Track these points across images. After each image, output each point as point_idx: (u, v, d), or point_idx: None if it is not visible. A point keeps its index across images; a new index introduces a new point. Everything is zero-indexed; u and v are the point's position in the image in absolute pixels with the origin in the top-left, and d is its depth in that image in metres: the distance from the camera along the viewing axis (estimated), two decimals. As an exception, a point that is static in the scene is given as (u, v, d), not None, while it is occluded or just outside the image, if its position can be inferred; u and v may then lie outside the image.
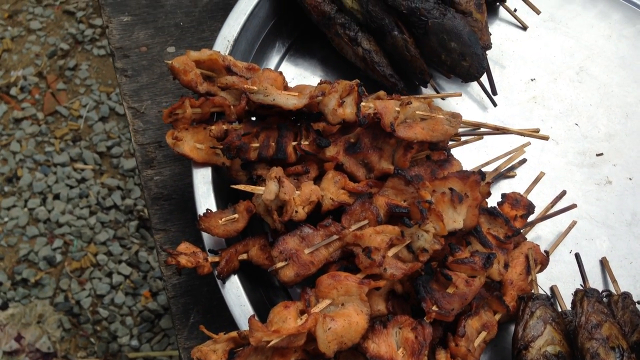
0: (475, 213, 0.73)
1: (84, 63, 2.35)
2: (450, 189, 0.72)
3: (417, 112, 0.79)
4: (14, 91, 2.26)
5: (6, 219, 2.04)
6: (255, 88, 0.76)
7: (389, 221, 0.74)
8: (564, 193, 0.89)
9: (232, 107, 0.79)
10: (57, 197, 2.09)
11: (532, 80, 1.00)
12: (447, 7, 0.90)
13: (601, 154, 0.94)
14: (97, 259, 2.01)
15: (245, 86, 0.76)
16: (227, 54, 0.86)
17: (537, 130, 0.87)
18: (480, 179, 0.73)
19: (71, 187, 2.12)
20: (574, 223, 0.86)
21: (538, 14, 1.03)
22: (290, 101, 0.75)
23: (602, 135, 0.96)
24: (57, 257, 1.98)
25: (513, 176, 0.90)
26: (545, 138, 0.84)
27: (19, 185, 2.11)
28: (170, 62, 0.80)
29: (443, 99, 0.93)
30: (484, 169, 0.87)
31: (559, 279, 0.83)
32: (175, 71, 0.80)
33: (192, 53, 0.81)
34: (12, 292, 1.93)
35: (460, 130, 0.83)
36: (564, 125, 0.96)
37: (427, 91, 0.95)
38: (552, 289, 0.82)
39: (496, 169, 0.85)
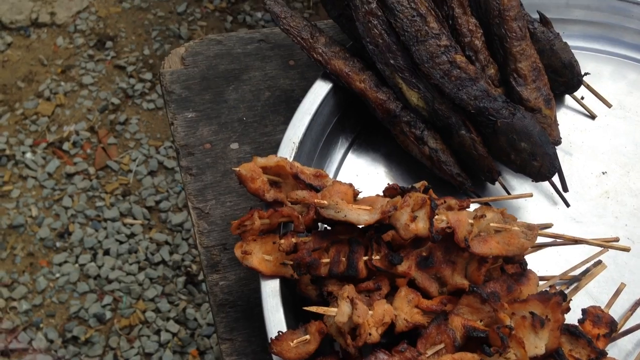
0: (557, 335, 0.70)
1: (133, 117, 2.40)
2: (531, 313, 0.70)
3: (491, 224, 0.77)
4: (66, 146, 2.31)
5: (58, 275, 2.06)
6: (325, 203, 0.74)
7: (467, 343, 0.71)
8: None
9: (300, 217, 0.77)
10: (107, 252, 2.12)
11: (603, 173, 0.97)
12: (516, 106, 0.88)
13: (680, 255, 0.90)
14: (145, 316, 2.02)
15: (315, 201, 0.75)
16: (292, 155, 0.85)
17: (617, 240, 0.83)
18: (562, 300, 0.70)
19: (121, 243, 2.15)
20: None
21: (609, 107, 1.00)
22: (362, 217, 0.74)
23: (680, 233, 0.92)
24: (107, 314, 1.99)
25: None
26: (627, 249, 0.81)
27: (71, 241, 2.14)
28: (237, 169, 0.79)
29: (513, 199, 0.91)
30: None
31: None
32: (242, 178, 0.80)
33: (259, 160, 0.81)
34: (63, 350, 1.95)
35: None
36: None
37: (496, 187, 0.93)
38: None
39: (576, 287, 0.81)
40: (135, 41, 2.58)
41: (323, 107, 0.90)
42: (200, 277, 2.07)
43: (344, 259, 0.75)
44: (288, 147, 0.85)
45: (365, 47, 0.91)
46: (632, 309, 0.84)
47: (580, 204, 0.94)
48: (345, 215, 0.74)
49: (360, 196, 0.85)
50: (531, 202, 0.93)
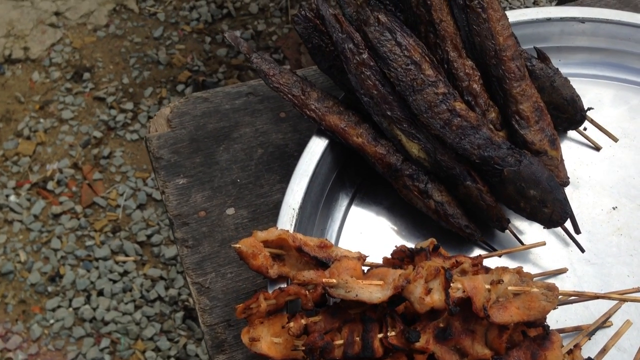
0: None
1: (117, 150, 2.34)
2: (560, 386, 0.66)
3: (509, 288, 0.73)
4: (51, 185, 2.25)
5: (52, 321, 2.01)
6: (334, 282, 0.70)
7: (493, 421, 0.68)
8: (666, 343, 0.82)
9: (308, 294, 0.73)
10: (101, 293, 2.06)
11: (613, 208, 0.93)
12: (522, 152, 0.84)
13: (700, 289, 0.87)
14: (145, 356, 1.97)
15: (324, 280, 0.70)
16: (293, 223, 0.81)
17: (638, 290, 0.80)
18: (589, 369, 0.67)
19: (114, 282, 2.09)
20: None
21: (616, 142, 0.96)
22: (374, 295, 0.70)
23: (697, 266, 0.89)
24: (106, 358, 1.94)
25: (609, 326, 0.84)
26: (650, 302, 0.78)
27: (63, 284, 2.08)
28: (237, 245, 0.75)
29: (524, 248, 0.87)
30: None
31: None
32: (243, 255, 0.76)
33: (259, 234, 0.77)
34: (63, 399, 1.90)
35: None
36: (655, 259, 0.89)
37: (507, 234, 0.89)
38: None
39: (603, 349, 0.78)
40: (113, 70, 2.51)
41: (321, 167, 0.86)
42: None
43: (357, 338, 0.71)
44: (288, 215, 0.81)
45: (359, 99, 0.86)
46: (657, 356, 0.81)
47: (594, 244, 0.90)
48: (356, 295, 0.70)
49: (369, 259, 0.82)
50: (544, 247, 0.89)
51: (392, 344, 0.70)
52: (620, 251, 0.90)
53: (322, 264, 0.76)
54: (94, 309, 2.03)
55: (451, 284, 0.72)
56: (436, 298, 0.71)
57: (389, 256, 0.81)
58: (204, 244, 0.86)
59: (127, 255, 2.14)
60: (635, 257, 0.90)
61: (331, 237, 0.88)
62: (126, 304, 2.06)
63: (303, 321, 0.72)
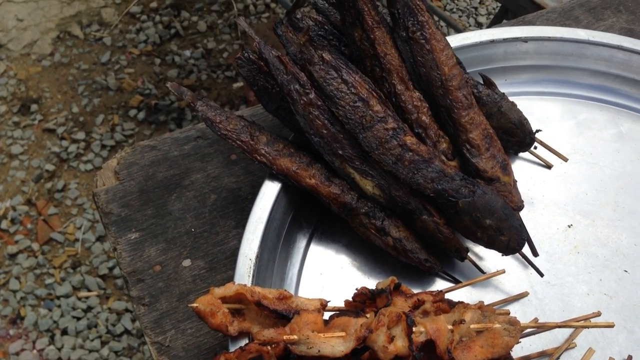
0: None
1: (72, 182, 2.28)
2: None
3: (472, 326, 0.73)
4: (4, 224, 2.18)
5: (16, 366, 1.95)
6: (295, 338, 0.69)
7: None
8: (630, 358, 0.83)
9: (270, 350, 0.72)
10: (65, 332, 2.01)
11: (569, 226, 0.94)
12: (475, 182, 0.84)
13: (658, 302, 0.89)
14: (116, 394, 1.93)
15: (285, 338, 0.69)
16: (251, 274, 0.79)
17: (599, 314, 0.81)
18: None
19: (78, 319, 2.04)
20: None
21: (566, 161, 0.97)
22: (337, 349, 0.69)
23: (654, 279, 0.90)
24: (75, 400, 1.89)
25: (573, 347, 0.84)
26: (611, 326, 0.78)
27: (25, 326, 2.02)
28: (194, 305, 0.73)
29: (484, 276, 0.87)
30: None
31: None
32: (201, 315, 0.74)
33: (216, 290, 0.75)
34: None
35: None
36: (614, 275, 0.90)
37: (468, 263, 0.89)
38: None
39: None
40: (61, 100, 2.45)
41: (275, 211, 0.85)
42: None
43: (324, 393, 0.70)
44: (245, 266, 0.79)
45: (310, 140, 0.85)
46: (622, 375, 0.82)
47: (552, 265, 0.91)
48: (319, 350, 0.68)
49: (331, 302, 0.81)
50: (503, 276, 0.89)
51: (359, 395, 0.70)
52: (579, 269, 0.91)
53: (282, 317, 0.75)
54: (59, 349, 1.98)
55: (414, 329, 0.71)
56: (400, 345, 0.70)
57: (351, 299, 0.80)
58: (161, 300, 0.84)
59: (89, 291, 2.09)
60: (593, 274, 0.91)
61: (291, 281, 0.87)
62: (92, 340, 2.01)
63: (267, 380, 0.70)
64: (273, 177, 0.86)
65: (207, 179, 0.94)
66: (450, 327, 0.72)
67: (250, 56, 0.88)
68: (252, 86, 0.88)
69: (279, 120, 0.89)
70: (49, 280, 2.09)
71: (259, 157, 0.85)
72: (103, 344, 2.01)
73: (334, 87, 0.85)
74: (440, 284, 0.89)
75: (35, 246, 2.15)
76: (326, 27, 0.92)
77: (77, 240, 2.18)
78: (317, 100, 0.85)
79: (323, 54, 0.85)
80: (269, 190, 0.85)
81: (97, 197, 0.90)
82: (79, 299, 2.08)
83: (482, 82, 0.94)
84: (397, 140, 0.84)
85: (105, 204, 0.89)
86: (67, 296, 2.07)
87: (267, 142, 0.86)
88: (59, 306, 2.06)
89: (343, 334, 0.70)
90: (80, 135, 2.36)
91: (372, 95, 0.86)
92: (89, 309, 2.06)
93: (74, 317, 2.04)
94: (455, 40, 1.00)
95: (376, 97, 0.86)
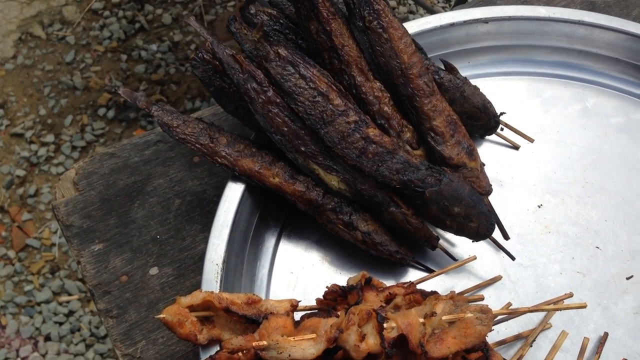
0: None
1: (44, 186, 2.24)
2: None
3: (444, 318, 0.72)
4: (-22, 234, 2.14)
5: (1, 376, 1.93)
6: (265, 343, 0.68)
7: None
8: (606, 336, 0.83)
9: (241, 357, 0.71)
10: (48, 338, 1.99)
11: (539, 207, 0.94)
12: (441, 171, 0.83)
13: (631, 277, 0.89)
14: (104, 396, 1.92)
15: (254, 344, 0.68)
16: (219, 280, 0.78)
17: (571, 296, 0.81)
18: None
19: (61, 324, 2.02)
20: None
21: (532, 142, 0.96)
22: (308, 351, 0.68)
23: (626, 254, 0.90)
24: (63, 406, 1.88)
25: (549, 327, 0.84)
26: (583, 306, 0.78)
27: (7, 335, 2.00)
28: (162, 315, 0.72)
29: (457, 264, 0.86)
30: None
31: None
32: (169, 325, 0.72)
33: (183, 300, 0.73)
34: None
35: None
36: (586, 253, 0.90)
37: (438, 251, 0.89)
38: None
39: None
40: (27, 103, 2.40)
41: (240, 213, 0.83)
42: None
43: (298, 396, 0.69)
44: (212, 272, 0.78)
45: (271, 138, 0.84)
46: (599, 351, 0.82)
47: (524, 246, 0.91)
48: (289, 355, 0.67)
49: (302, 301, 0.80)
50: (476, 263, 0.89)
51: (333, 396, 0.69)
52: (551, 249, 0.91)
53: (252, 321, 0.74)
54: (44, 356, 1.96)
55: (385, 325, 0.70)
56: (371, 343, 0.69)
57: (322, 297, 0.79)
58: (129, 311, 0.83)
59: (70, 295, 2.07)
60: (565, 252, 0.91)
61: (262, 282, 0.86)
62: (76, 344, 1.99)
63: (240, 389, 0.69)
64: (236, 178, 0.84)
65: (170, 184, 0.92)
66: (422, 320, 0.72)
67: (205, 56, 0.86)
68: (208, 87, 0.86)
69: (239, 120, 0.87)
70: (27, 287, 2.07)
71: (219, 160, 0.83)
72: (88, 347, 1.99)
73: (292, 83, 0.83)
74: (413, 274, 0.88)
75: (12, 253, 2.12)
76: (282, 21, 0.90)
77: (53, 244, 2.15)
78: (275, 98, 0.83)
79: (279, 50, 0.83)
80: (233, 193, 0.84)
81: (56, 209, 0.88)
82: (60, 303, 2.05)
83: (443, 67, 0.92)
84: (360, 133, 0.83)
85: (66, 217, 0.87)
86: (47, 302, 2.04)
87: (227, 143, 0.84)
88: (40, 312, 2.03)
89: (313, 335, 0.70)
90: (50, 138, 2.32)
91: (331, 89, 0.84)
92: (71, 313, 2.04)
93: (56, 322, 2.01)
94: (416, 25, 0.98)
95: (336, 90, 0.84)
